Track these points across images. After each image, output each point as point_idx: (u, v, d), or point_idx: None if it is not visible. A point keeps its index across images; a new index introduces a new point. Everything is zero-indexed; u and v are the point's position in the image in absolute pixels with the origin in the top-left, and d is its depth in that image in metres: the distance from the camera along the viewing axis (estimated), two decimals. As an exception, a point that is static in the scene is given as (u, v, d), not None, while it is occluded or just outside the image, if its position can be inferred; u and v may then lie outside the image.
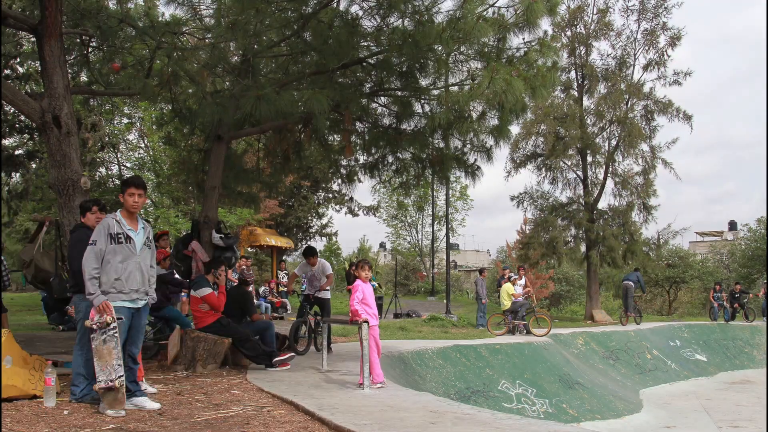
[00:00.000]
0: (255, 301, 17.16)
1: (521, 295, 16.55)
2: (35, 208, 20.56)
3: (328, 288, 10.46)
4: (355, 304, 7.29)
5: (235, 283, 11.54)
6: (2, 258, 9.20)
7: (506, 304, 16.38)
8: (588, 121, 23.83)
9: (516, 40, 8.85)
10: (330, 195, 33.32)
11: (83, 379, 5.73)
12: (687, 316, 30.41)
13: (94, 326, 5.38)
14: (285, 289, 18.28)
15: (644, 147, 23.92)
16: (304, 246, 10.61)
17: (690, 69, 23.37)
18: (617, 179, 24.26)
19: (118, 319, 5.43)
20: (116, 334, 5.41)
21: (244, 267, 15.58)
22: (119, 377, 5.36)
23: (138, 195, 5.69)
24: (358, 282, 7.46)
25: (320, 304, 10.40)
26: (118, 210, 5.74)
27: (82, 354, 5.74)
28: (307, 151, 12.40)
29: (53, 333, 12.70)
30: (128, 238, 5.61)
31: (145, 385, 6.45)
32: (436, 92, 9.85)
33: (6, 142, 21.05)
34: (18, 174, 23.40)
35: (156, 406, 5.69)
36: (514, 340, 14.21)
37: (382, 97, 10.48)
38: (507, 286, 16.52)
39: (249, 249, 23.59)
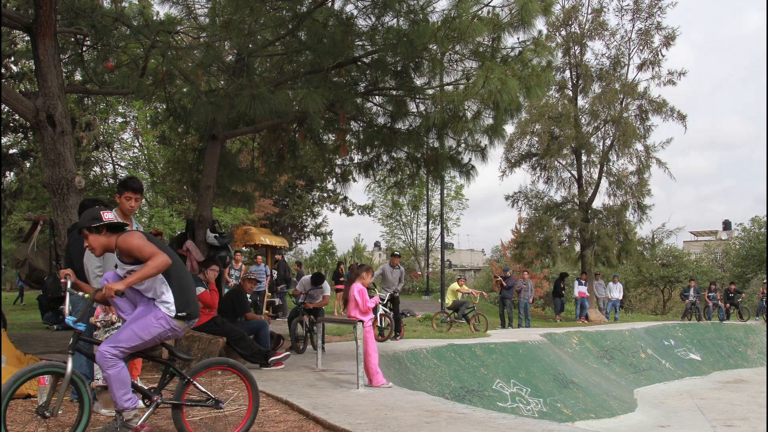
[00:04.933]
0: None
1: (467, 291, 17.91)
2: (29, 207, 20.47)
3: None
4: (368, 303, 7.57)
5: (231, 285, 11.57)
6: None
7: (448, 302, 17.66)
8: (582, 120, 23.89)
9: (511, 40, 8.88)
10: (324, 194, 33.30)
11: (85, 378, 5.69)
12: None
13: (98, 324, 5.38)
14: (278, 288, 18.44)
15: (639, 146, 24.03)
16: (314, 273, 11.02)
17: (684, 69, 23.47)
18: (612, 179, 24.33)
19: None
20: None
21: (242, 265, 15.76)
22: (118, 377, 5.35)
23: (135, 199, 5.68)
24: (360, 287, 7.63)
25: (314, 313, 10.71)
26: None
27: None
28: (302, 150, 12.40)
29: (47, 332, 12.67)
30: None
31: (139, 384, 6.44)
32: (430, 92, 9.86)
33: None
34: (12, 173, 23.33)
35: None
36: (508, 340, 14.22)
37: (376, 97, 10.48)
38: (453, 286, 17.78)
39: (244, 248, 23.53)
